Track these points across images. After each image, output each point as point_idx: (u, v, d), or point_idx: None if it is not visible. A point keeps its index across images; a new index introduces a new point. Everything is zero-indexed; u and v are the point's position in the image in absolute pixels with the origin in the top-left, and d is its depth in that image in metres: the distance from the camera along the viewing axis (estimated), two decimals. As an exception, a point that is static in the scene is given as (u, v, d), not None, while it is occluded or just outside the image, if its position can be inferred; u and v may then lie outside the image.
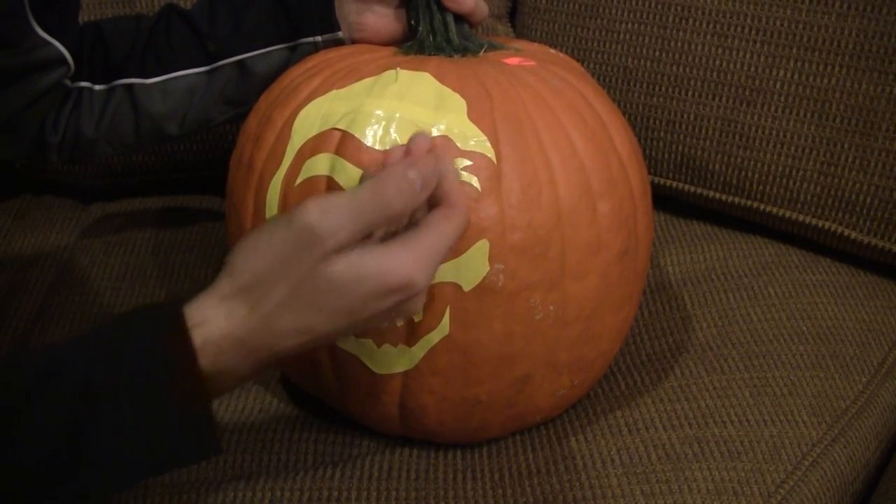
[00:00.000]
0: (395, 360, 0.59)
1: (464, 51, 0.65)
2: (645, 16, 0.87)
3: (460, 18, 0.66)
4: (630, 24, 0.88)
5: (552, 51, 0.70)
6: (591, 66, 0.91)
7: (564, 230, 0.57)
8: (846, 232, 0.82)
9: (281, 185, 0.59)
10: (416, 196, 0.49)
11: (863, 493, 0.69)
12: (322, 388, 0.66)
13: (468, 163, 0.56)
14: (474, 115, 0.57)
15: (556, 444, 0.66)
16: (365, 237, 0.48)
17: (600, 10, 0.89)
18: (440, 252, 0.50)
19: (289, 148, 0.60)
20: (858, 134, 0.79)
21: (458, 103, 0.58)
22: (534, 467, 0.64)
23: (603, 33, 0.90)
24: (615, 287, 0.61)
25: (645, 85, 0.88)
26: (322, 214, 0.47)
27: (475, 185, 0.55)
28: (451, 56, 0.65)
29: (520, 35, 0.98)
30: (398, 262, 0.48)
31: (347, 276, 0.47)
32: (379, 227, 0.49)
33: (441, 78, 0.59)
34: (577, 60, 0.72)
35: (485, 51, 0.66)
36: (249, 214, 0.62)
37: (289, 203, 0.59)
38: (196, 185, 1.00)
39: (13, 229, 0.95)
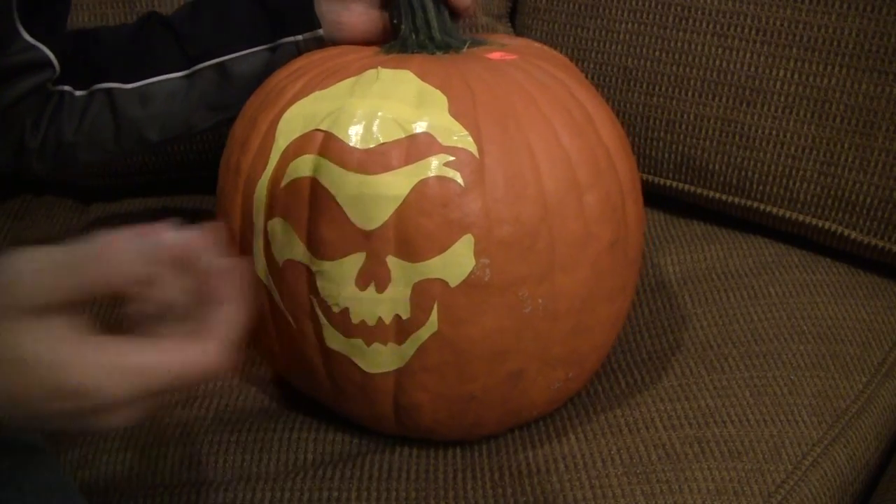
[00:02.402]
0: (386, 359, 0.59)
1: (447, 48, 0.65)
2: (645, 16, 0.87)
3: (445, 13, 0.66)
4: (630, 24, 0.88)
5: (537, 45, 0.70)
6: (591, 66, 0.91)
7: (552, 223, 0.57)
8: (846, 232, 0.82)
9: (267, 187, 0.59)
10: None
11: (863, 493, 0.69)
12: (317, 390, 0.66)
13: (451, 158, 0.56)
14: (456, 111, 0.57)
15: (555, 443, 0.66)
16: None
17: (600, 10, 0.89)
18: (155, 375, 0.37)
19: (273, 150, 0.59)
20: (858, 134, 0.79)
21: (440, 100, 0.57)
22: (534, 466, 0.64)
23: (602, 33, 0.90)
24: (607, 278, 0.61)
25: (645, 85, 0.88)
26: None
27: (458, 180, 0.55)
28: (434, 53, 0.64)
29: (519, 35, 0.98)
30: (84, 362, 0.36)
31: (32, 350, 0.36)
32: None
33: (423, 75, 0.59)
34: (577, 60, 0.72)
35: (468, 47, 0.66)
36: (238, 218, 0.62)
37: (275, 205, 0.59)
38: (196, 185, 1.00)
39: (13, 230, 0.95)
